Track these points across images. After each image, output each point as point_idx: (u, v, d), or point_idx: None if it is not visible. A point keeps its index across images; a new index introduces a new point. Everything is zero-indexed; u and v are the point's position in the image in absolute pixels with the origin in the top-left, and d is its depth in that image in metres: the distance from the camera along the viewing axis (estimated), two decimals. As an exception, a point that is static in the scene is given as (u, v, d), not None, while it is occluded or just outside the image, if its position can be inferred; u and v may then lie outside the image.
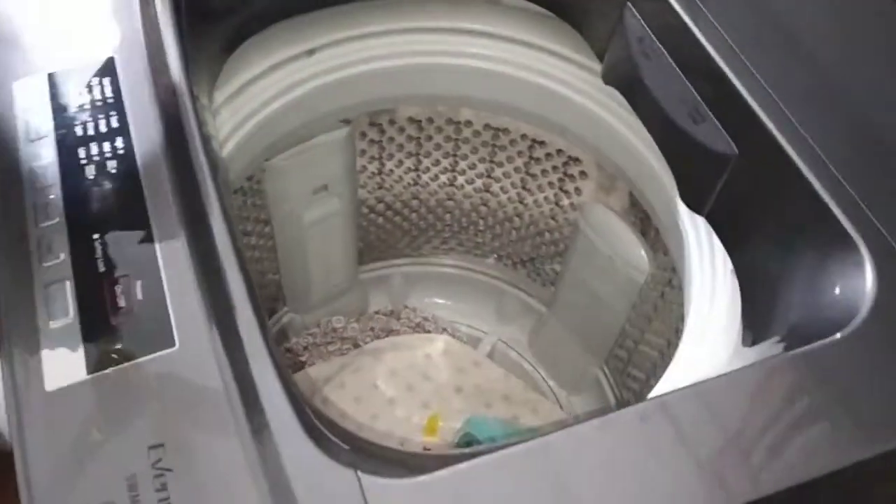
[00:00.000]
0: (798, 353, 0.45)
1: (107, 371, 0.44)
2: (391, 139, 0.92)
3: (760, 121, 0.55)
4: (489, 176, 0.97)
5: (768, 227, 0.55)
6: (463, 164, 0.96)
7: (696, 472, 0.41)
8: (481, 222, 1.04)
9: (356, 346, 1.05)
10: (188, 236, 0.49)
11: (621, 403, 1.00)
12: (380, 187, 0.99)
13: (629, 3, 0.65)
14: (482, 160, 0.95)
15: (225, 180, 0.64)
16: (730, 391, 0.44)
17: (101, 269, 0.47)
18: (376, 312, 1.11)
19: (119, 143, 0.53)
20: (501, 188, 0.98)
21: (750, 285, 0.56)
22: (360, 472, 0.39)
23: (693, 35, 0.59)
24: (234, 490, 0.39)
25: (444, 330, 1.10)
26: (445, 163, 0.96)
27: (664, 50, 0.61)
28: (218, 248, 0.48)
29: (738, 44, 0.58)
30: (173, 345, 0.45)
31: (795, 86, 0.56)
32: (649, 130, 0.66)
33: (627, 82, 0.67)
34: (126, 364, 0.44)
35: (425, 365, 1.02)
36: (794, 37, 0.60)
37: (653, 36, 0.62)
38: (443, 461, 0.41)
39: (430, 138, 0.93)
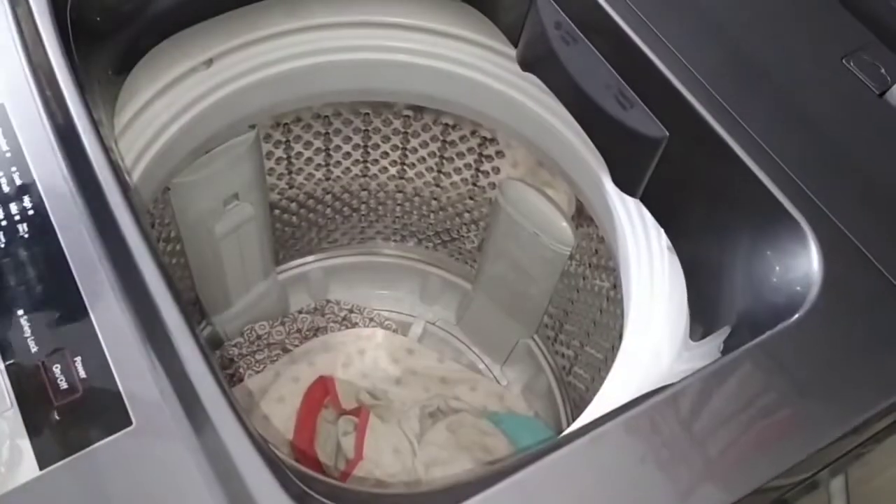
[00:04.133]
0: (758, 344, 0.45)
1: (60, 464, 0.40)
2: (298, 137, 0.88)
3: (688, 102, 0.55)
4: (403, 163, 0.95)
5: (706, 209, 0.56)
6: (375, 154, 0.94)
7: (676, 480, 0.41)
8: (398, 208, 1.03)
9: (285, 350, 1.02)
10: (123, 295, 0.45)
11: (558, 376, 1.02)
12: (290, 186, 0.95)
13: (540, -12, 0.63)
14: (395, 148, 0.93)
15: (142, 211, 0.60)
16: (696, 398, 0.44)
17: (34, 348, 0.43)
18: (300, 312, 1.07)
19: (27, 201, 0.48)
20: (416, 174, 0.96)
21: (694, 274, 0.57)
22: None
23: (612, 20, 0.58)
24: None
25: (372, 320, 1.08)
26: (357, 154, 0.93)
27: (584, 36, 0.61)
28: (157, 301, 0.45)
29: (659, 27, 0.58)
30: (130, 423, 0.41)
31: (718, 65, 0.57)
32: (574, 117, 0.65)
33: (547, 69, 0.66)
34: (81, 452, 0.41)
35: (360, 363, 1.01)
36: (707, 11, 0.60)
37: (570, 22, 0.61)
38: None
39: (338, 132, 0.90)
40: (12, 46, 0.54)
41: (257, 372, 0.99)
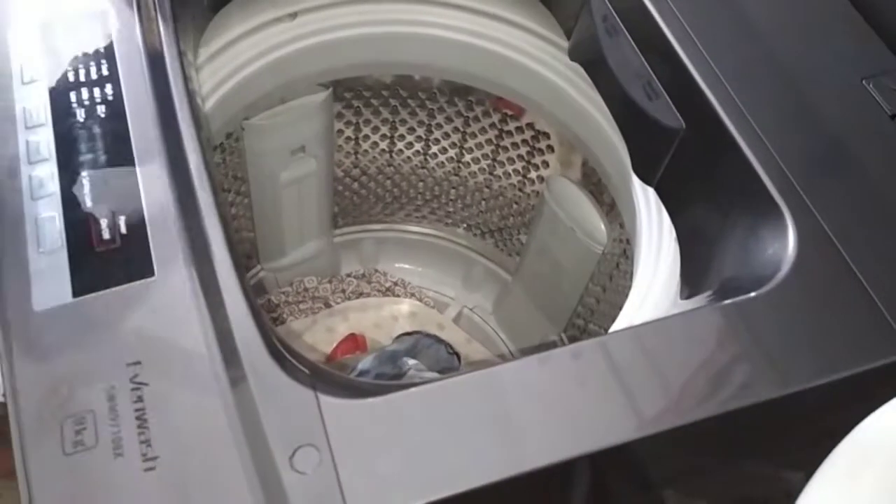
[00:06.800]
0: (725, 305, 0.50)
1: (90, 295, 0.47)
2: (368, 103, 0.96)
3: (706, 98, 0.59)
4: (461, 147, 1.01)
5: (708, 195, 0.60)
6: (437, 134, 1.00)
7: (623, 402, 0.45)
8: (452, 192, 1.09)
9: (327, 305, 1.09)
10: (170, 179, 0.53)
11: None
12: (355, 153, 1.02)
13: (596, -16, 0.69)
14: (455, 130, 0.99)
15: (207, 134, 0.68)
16: (659, 335, 0.48)
17: (88, 203, 0.51)
18: (348, 275, 1.15)
19: (108, 89, 0.56)
20: (473, 159, 1.02)
21: (689, 247, 0.61)
22: (318, 393, 0.44)
23: (651, 16, 0.63)
24: (202, 403, 0.43)
25: (413, 295, 1.14)
26: (420, 131, 1.00)
27: (625, 29, 0.66)
28: (196, 190, 0.52)
29: (691, 24, 0.62)
30: (152, 275, 0.48)
31: (741, 67, 0.61)
32: (608, 106, 0.70)
33: (591, 59, 0.71)
34: (108, 290, 0.48)
35: (391, 325, 1.07)
36: (743, 18, 0.64)
37: (615, 15, 0.66)
38: (395, 387, 0.46)
39: (405, 105, 0.97)
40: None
41: (296, 319, 1.07)
